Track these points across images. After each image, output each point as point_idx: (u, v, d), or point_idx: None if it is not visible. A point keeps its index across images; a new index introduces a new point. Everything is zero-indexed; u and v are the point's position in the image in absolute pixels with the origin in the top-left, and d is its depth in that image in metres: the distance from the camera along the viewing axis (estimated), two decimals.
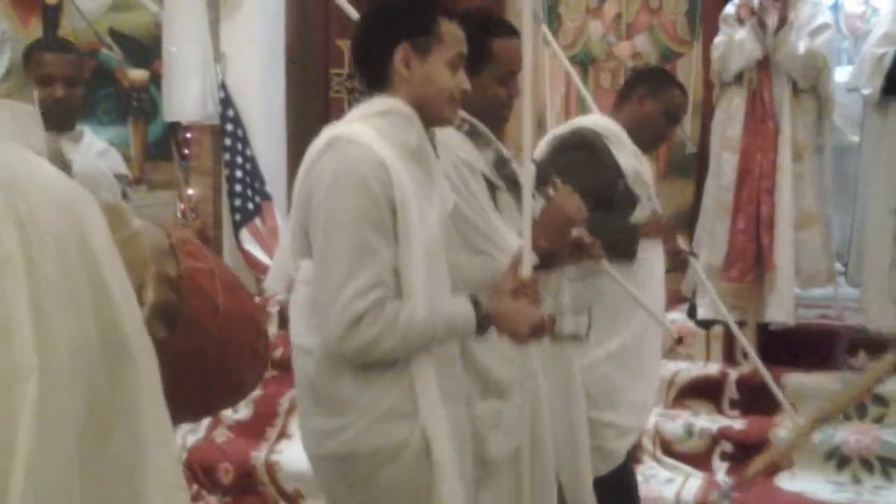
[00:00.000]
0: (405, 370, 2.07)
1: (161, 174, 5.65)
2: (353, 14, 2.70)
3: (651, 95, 3.22)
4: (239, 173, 5.42)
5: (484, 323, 2.13)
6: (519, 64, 2.42)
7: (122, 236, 2.90)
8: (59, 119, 3.10)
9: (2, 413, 1.01)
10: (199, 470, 4.37)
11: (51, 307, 1.17)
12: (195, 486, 4.34)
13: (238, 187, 5.40)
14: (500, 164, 2.52)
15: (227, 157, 5.45)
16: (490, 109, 2.45)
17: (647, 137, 3.24)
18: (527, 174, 2.36)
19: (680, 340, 3.59)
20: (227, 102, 5.46)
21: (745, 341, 3.74)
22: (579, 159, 3.05)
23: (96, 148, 3.29)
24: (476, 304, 2.11)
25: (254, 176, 5.48)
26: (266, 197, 5.48)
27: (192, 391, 2.84)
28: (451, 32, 2.15)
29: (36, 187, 1.19)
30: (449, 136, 2.41)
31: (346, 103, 6.01)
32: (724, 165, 4.50)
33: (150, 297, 2.76)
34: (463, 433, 2.21)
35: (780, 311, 4.40)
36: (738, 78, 4.43)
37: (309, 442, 2.19)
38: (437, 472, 2.06)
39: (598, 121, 3.26)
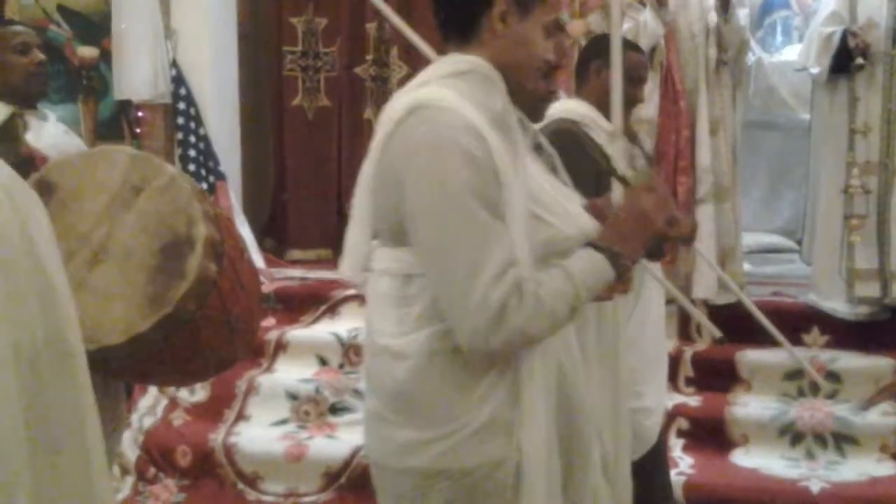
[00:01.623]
0: (509, 366, 1.83)
1: None
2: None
3: (606, 65, 3.10)
4: (192, 152, 5.34)
5: (620, 265, 1.84)
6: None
7: (161, 182, 2.86)
8: (42, 86, 3.08)
9: None
10: (157, 453, 4.34)
11: None
12: (152, 469, 4.30)
13: (192, 167, 5.33)
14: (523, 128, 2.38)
15: (179, 136, 5.38)
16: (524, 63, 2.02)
17: None
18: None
19: (722, 340, 3.52)
20: (178, 80, 5.37)
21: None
22: (576, 157, 2.87)
23: (62, 127, 3.24)
24: (598, 248, 1.84)
25: (207, 155, 5.41)
26: (220, 176, 5.42)
27: (219, 346, 2.84)
28: None
29: None
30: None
31: (300, 81, 5.97)
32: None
33: (202, 231, 2.75)
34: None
35: (703, 288, 4.49)
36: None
37: (387, 456, 1.92)
38: (526, 494, 1.83)
39: (571, 108, 3.15)
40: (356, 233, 1.95)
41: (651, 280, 3.01)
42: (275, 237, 6.05)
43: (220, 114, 5.60)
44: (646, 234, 1.91)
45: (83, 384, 1.25)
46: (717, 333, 3.05)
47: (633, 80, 3.10)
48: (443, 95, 1.80)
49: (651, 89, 4.37)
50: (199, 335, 2.61)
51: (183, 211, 2.57)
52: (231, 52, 5.73)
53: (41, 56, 3.04)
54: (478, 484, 1.84)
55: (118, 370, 2.71)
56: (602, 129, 3.03)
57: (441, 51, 1.95)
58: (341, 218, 5.71)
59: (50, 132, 3.10)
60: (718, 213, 4.57)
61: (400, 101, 1.85)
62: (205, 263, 2.54)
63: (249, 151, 5.87)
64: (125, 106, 5.51)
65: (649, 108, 4.45)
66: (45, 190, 2.65)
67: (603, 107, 2.98)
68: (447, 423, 1.82)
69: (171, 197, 2.61)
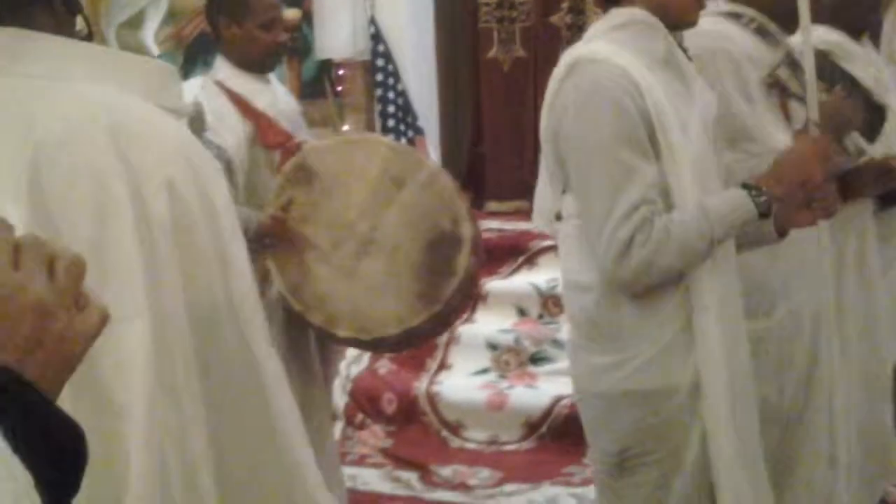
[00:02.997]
0: (685, 294, 1.93)
1: (316, 111, 5.74)
2: None
3: None
4: (391, 108, 5.46)
5: (763, 203, 1.91)
6: None
7: (423, 177, 2.94)
8: (275, 63, 3.21)
9: (104, 351, 1.03)
10: (364, 400, 4.50)
11: (163, 250, 1.18)
12: (360, 415, 4.47)
13: (391, 122, 5.45)
14: (792, 65, 2.35)
15: (379, 92, 5.50)
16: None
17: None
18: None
19: None
20: (377, 38, 5.49)
21: None
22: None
23: (281, 89, 3.39)
24: (747, 186, 1.92)
25: (406, 110, 5.51)
26: (419, 131, 5.52)
27: (462, 313, 3.01)
28: None
29: (150, 136, 1.21)
30: (730, 31, 2.29)
31: (495, 34, 5.96)
32: None
33: (468, 230, 2.86)
34: (743, 365, 2.03)
35: None
36: None
37: (583, 380, 2.08)
38: (710, 421, 1.93)
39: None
40: (543, 184, 2.13)
41: None
42: (472, 189, 6.11)
43: (417, 69, 5.68)
44: (799, 180, 1.96)
45: (265, 353, 1.27)
46: None
47: None
48: (597, 49, 1.94)
49: None
50: (456, 315, 2.86)
51: (448, 208, 2.67)
52: (427, 7, 5.78)
53: (284, 36, 3.13)
54: (660, 408, 1.95)
55: (371, 347, 2.85)
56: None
57: (604, 8, 2.06)
58: (538, 169, 5.69)
59: (281, 97, 3.22)
60: None
61: (563, 60, 1.98)
62: (472, 261, 2.64)
63: (447, 105, 5.93)
64: (326, 65, 5.68)
65: None
66: (308, 176, 2.80)
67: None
68: (629, 348, 1.95)
69: (434, 193, 2.70)
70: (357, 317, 2.76)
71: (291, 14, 5.82)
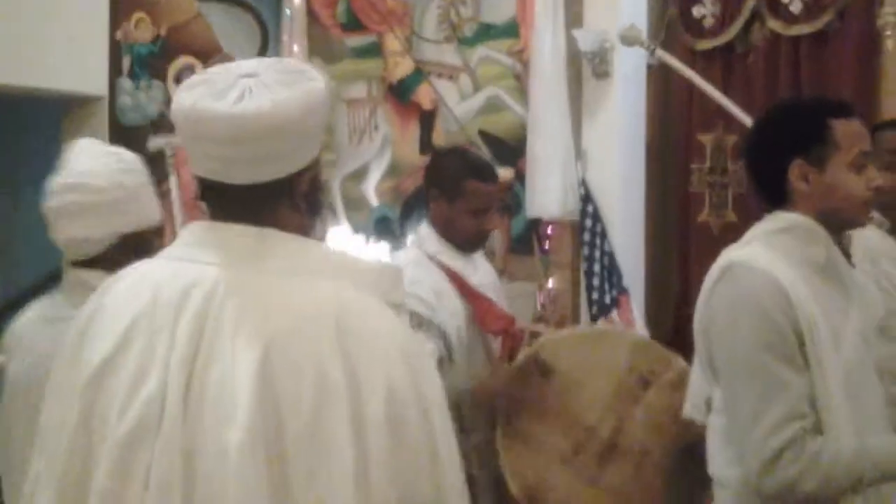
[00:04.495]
0: None
1: (522, 267, 5.86)
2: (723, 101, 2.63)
3: None
4: (597, 267, 5.49)
5: None
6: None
7: (672, 377, 2.91)
8: (478, 246, 3.05)
9: None
10: None
11: (374, 447, 1.25)
12: None
13: (596, 281, 5.48)
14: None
15: (585, 251, 5.56)
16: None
17: None
18: None
19: None
20: (586, 198, 5.58)
21: None
22: None
23: (486, 265, 3.24)
24: None
25: (611, 269, 5.53)
26: (623, 290, 5.51)
27: None
28: (848, 132, 1.97)
29: (372, 334, 1.31)
30: (867, 235, 2.30)
31: (706, 197, 5.94)
32: None
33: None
34: None
35: None
36: None
37: None
38: None
39: None
40: (696, 374, 2.13)
41: None
42: (678, 350, 5.99)
43: (625, 230, 5.72)
44: None
45: None
46: None
47: None
48: (754, 254, 1.96)
49: None
50: None
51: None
52: (639, 170, 5.86)
53: (493, 224, 2.98)
54: None
55: None
56: None
57: (767, 210, 2.07)
58: None
59: (483, 271, 3.08)
60: None
61: (720, 261, 2.03)
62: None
63: (654, 266, 5.92)
64: (536, 223, 5.81)
65: None
66: (542, 370, 2.66)
67: None
68: None
69: (684, 395, 2.50)
70: None
71: (505, 173, 6.02)
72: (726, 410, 1.97)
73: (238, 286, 1.34)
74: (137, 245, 2.17)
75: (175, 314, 1.33)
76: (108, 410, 1.33)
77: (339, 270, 1.38)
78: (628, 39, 3.33)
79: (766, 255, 1.95)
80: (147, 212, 2.26)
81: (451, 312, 2.81)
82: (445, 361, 2.74)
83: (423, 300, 2.76)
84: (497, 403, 2.67)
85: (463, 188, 2.88)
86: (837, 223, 1.99)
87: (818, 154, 1.97)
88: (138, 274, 1.45)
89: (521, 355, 2.76)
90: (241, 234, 1.38)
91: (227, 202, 1.41)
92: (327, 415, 1.25)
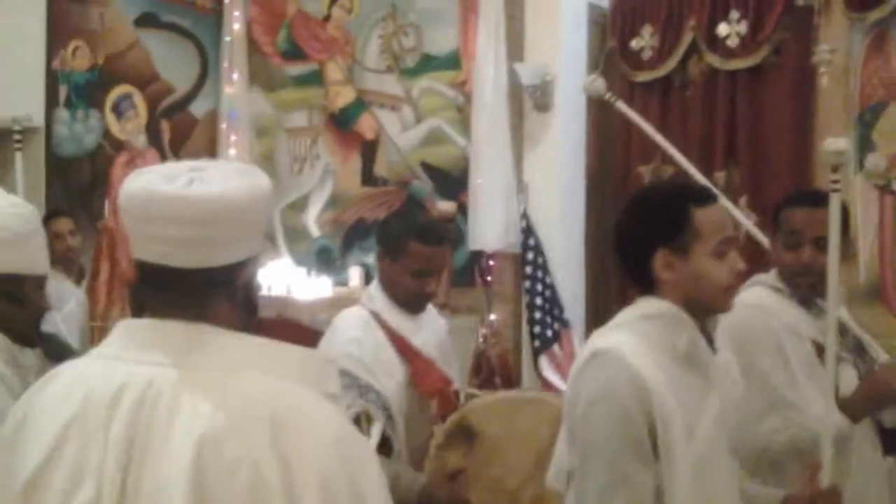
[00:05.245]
0: None
1: (465, 299, 5.85)
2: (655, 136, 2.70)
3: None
4: (538, 300, 5.51)
5: None
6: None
7: None
8: (418, 308, 3.00)
9: None
10: None
11: None
12: None
13: (538, 314, 5.49)
14: (842, 332, 2.42)
15: (527, 284, 5.57)
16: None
17: None
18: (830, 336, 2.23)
19: None
20: (528, 231, 5.60)
21: None
22: None
23: (435, 315, 3.21)
24: None
25: (553, 303, 5.55)
26: (565, 324, 5.53)
27: None
28: (709, 220, 2.00)
29: (307, 426, 1.32)
30: (774, 302, 2.37)
31: None
32: None
33: None
34: None
35: None
36: None
37: None
38: None
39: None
40: (563, 445, 2.12)
41: None
42: None
43: (566, 262, 5.74)
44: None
45: None
46: None
47: None
48: (619, 343, 1.98)
49: None
50: None
51: None
52: (579, 203, 5.90)
53: (432, 287, 2.93)
54: None
55: None
56: None
57: (635, 295, 2.09)
58: None
59: (433, 328, 3.08)
60: None
61: (589, 345, 2.05)
62: None
63: (595, 300, 5.94)
64: (478, 255, 5.81)
65: None
66: (467, 435, 2.69)
67: None
68: None
69: None
70: None
71: (447, 206, 6.03)
72: (575, 492, 2.00)
73: (170, 385, 1.34)
74: (11, 290, 2.21)
75: (107, 417, 1.34)
76: None
77: (272, 364, 1.38)
78: (591, 91, 3.39)
79: (629, 343, 1.97)
80: (31, 259, 2.28)
81: (389, 372, 2.82)
82: (391, 437, 2.79)
83: (359, 361, 2.78)
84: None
85: (405, 248, 2.89)
86: (702, 309, 2.03)
87: (681, 243, 1.99)
88: (70, 374, 1.45)
89: (449, 420, 2.80)
90: (172, 330, 1.39)
91: (166, 288, 1.41)
92: None
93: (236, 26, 6.99)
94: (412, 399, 2.87)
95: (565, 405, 2.08)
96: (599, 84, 3.45)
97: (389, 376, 2.82)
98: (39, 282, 2.33)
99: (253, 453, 1.28)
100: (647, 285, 2.04)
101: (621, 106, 3.56)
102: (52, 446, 1.36)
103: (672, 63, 5.70)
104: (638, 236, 2.05)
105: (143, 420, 1.33)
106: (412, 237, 2.89)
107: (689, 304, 2.00)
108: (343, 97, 6.70)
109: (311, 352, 1.44)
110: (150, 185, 1.41)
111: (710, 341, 2.07)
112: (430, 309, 3.10)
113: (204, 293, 1.42)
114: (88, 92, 6.51)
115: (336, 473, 1.31)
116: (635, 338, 1.98)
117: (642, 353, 1.95)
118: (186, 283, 1.41)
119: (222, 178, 1.42)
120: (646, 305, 2.03)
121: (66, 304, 5.10)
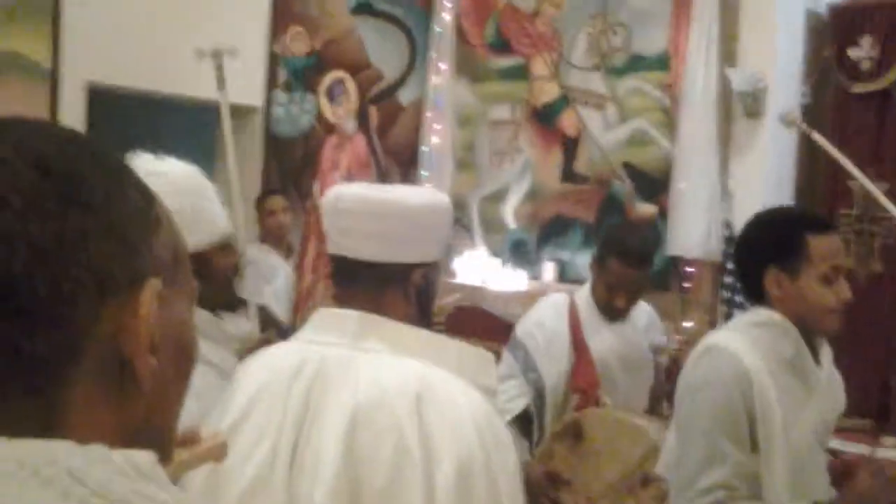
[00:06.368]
0: None
1: (658, 304, 5.81)
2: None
3: None
4: (736, 312, 5.43)
5: None
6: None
7: (667, 487, 2.97)
8: (614, 315, 3.35)
9: None
10: None
11: None
12: None
13: None
14: None
15: (725, 294, 5.50)
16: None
17: None
18: None
19: None
20: (730, 240, 5.52)
21: None
22: None
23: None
24: None
25: None
26: None
27: None
28: (821, 248, 2.20)
29: (450, 407, 1.45)
30: None
31: (852, 245, 5.82)
32: None
33: None
34: None
35: None
36: None
37: None
38: None
39: None
40: (672, 436, 2.35)
41: None
42: None
43: None
44: None
45: None
46: None
47: None
48: (733, 341, 2.21)
49: None
50: None
51: None
52: None
53: (622, 303, 3.30)
54: None
55: None
56: None
57: (751, 302, 2.35)
58: (886, 390, 5.42)
59: (615, 343, 3.36)
60: None
61: (705, 341, 2.30)
62: None
63: None
64: (675, 260, 5.78)
65: None
66: (576, 434, 2.98)
67: None
68: None
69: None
70: None
71: (646, 209, 6.02)
72: (675, 464, 2.23)
73: (340, 362, 1.54)
74: (198, 268, 2.14)
75: (287, 386, 1.55)
76: (233, 465, 1.53)
77: (432, 353, 1.56)
78: (787, 121, 3.49)
79: (740, 342, 2.18)
80: (209, 229, 2.19)
81: (557, 359, 3.16)
82: (532, 415, 3.17)
83: (536, 341, 3.20)
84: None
85: (606, 262, 3.24)
86: (807, 326, 2.21)
87: (792, 265, 2.20)
88: (270, 351, 1.69)
89: (568, 416, 3.11)
90: (349, 317, 1.60)
91: (352, 277, 1.63)
92: (401, 478, 1.41)
93: (446, 17, 7.14)
94: (566, 388, 3.21)
95: (678, 393, 2.31)
96: (794, 116, 3.62)
97: (556, 362, 3.16)
98: (223, 244, 2.26)
99: (399, 426, 1.44)
100: (758, 298, 2.27)
101: (818, 137, 3.62)
102: (244, 410, 1.57)
103: (892, 75, 5.49)
104: (754, 252, 2.29)
105: (315, 390, 1.53)
106: (615, 254, 3.22)
107: (797, 320, 2.20)
108: (547, 93, 6.75)
109: (470, 346, 1.59)
110: (357, 189, 1.67)
111: (815, 354, 2.27)
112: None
113: (382, 284, 1.62)
114: (306, 76, 6.80)
115: (473, 453, 1.45)
116: (745, 339, 2.21)
117: (750, 353, 2.17)
118: (367, 274, 1.61)
119: (408, 189, 1.69)
120: (757, 314, 2.27)
121: (275, 278, 5.40)
